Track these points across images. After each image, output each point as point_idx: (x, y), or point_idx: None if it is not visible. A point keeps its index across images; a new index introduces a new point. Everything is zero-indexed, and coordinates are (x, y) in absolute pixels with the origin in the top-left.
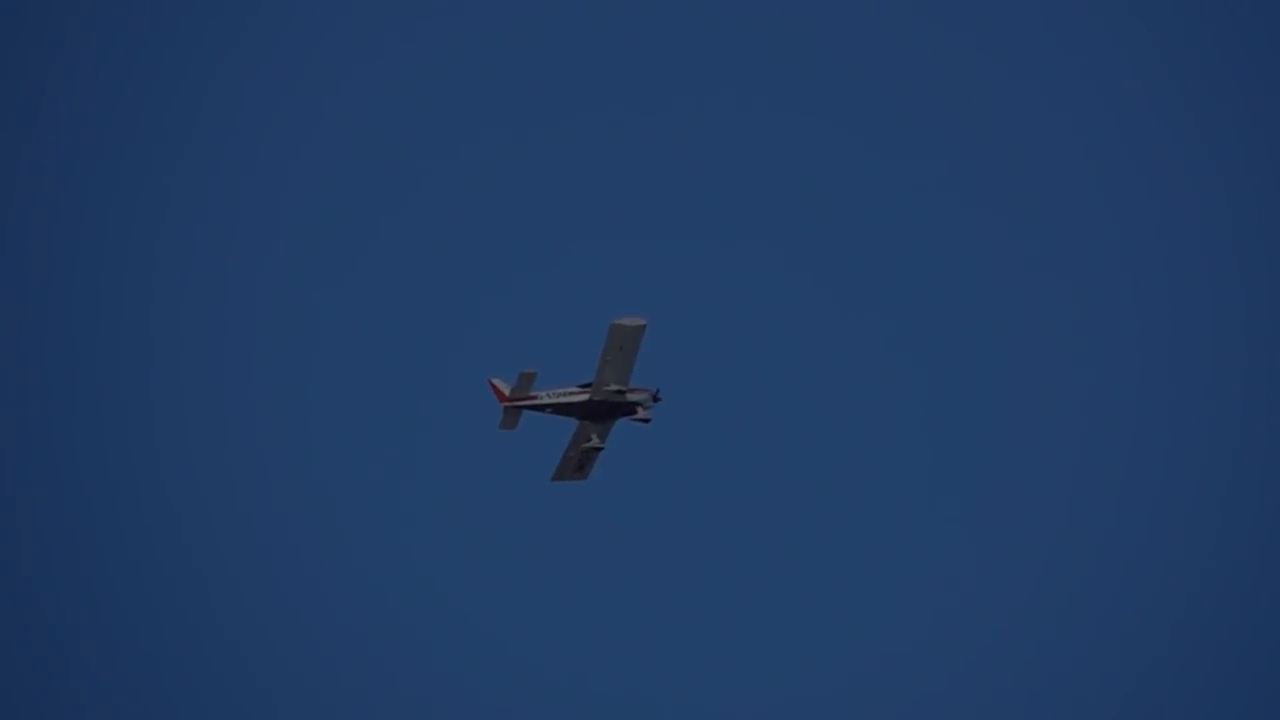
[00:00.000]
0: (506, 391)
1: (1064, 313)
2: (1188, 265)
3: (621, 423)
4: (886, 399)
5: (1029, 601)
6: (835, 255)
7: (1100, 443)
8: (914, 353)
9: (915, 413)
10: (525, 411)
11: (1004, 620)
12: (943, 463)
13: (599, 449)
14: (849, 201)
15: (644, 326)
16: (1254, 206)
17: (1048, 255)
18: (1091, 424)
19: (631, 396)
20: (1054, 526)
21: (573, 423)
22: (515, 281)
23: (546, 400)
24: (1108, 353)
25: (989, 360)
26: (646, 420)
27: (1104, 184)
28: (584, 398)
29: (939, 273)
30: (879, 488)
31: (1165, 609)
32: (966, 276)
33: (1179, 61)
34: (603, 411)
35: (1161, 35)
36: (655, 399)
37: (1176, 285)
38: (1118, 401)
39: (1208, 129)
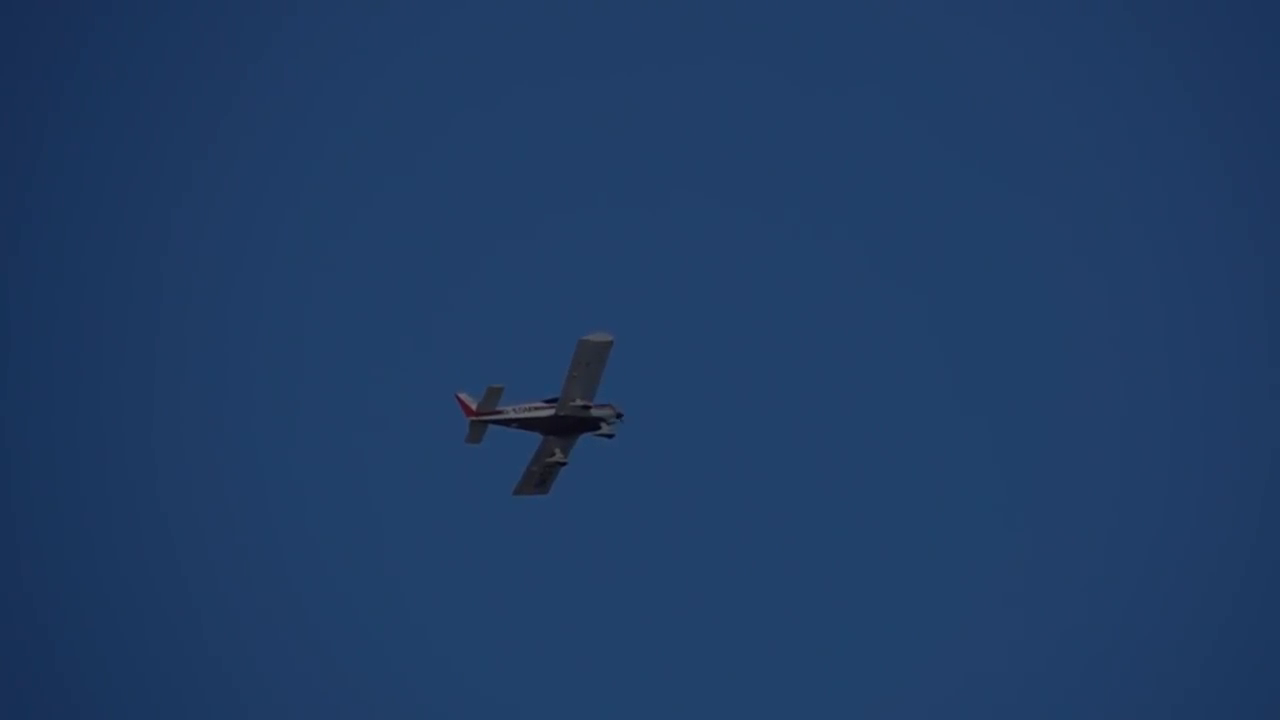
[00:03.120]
0: (474, 406)
1: (1077, 312)
2: (1203, 265)
3: (584, 437)
4: (867, 409)
5: (1023, 622)
6: (823, 259)
7: (1113, 447)
8: (905, 357)
9: (903, 421)
10: (491, 426)
11: (997, 646)
12: (935, 475)
13: (562, 464)
14: (841, 202)
15: (611, 343)
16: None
17: (1058, 254)
18: (1107, 429)
19: (596, 412)
20: (1055, 546)
21: (537, 437)
22: (486, 294)
23: (513, 415)
24: (1122, 354)
25: (988, 363)
26: (610, 436)
27: (1124, 177)
28: (550, 413)
29: (935, 274)
30: (851, 502)
31: (1194, 623)
32: (966, 277)
33: (1210, 58)
34: (568, 427)
35: (1190, 32)
36: (618, 416)
37: (1193, 285)
38: (1135, 405)
39: (1230, 126)
